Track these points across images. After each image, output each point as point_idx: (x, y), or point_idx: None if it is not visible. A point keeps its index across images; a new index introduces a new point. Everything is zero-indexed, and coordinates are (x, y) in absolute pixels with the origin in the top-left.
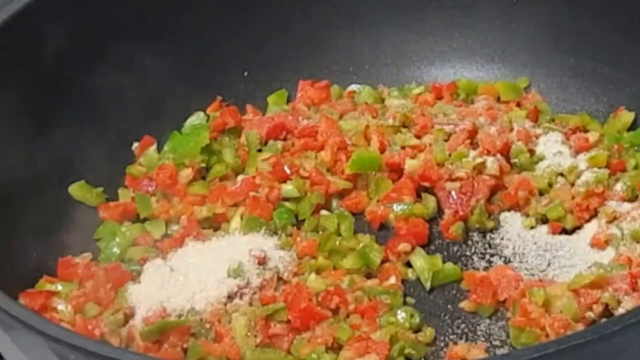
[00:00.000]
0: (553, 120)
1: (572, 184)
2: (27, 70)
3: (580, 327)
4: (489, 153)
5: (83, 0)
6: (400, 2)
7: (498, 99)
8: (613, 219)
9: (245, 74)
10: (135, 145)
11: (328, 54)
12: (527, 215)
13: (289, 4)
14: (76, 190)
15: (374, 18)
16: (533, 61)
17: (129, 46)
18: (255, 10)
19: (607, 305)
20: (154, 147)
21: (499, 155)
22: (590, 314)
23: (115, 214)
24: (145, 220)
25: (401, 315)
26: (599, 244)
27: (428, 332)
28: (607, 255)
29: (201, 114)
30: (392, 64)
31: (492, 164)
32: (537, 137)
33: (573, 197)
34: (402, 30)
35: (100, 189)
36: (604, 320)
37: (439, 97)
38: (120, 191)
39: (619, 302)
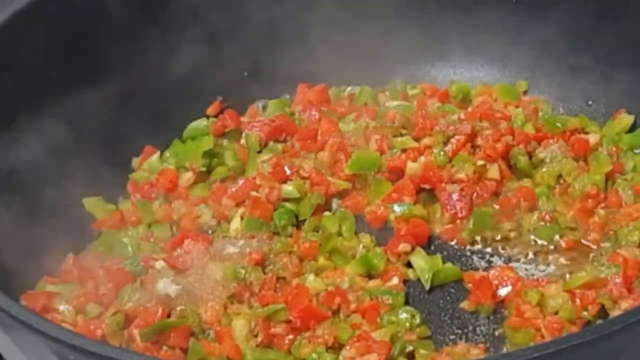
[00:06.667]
0: (552, 121)
1: (571, 186)
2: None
3: (575, 327)
4: (489, 157)
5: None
6: (399, 2)
7: (496, 101)
8: (610, 220)
9: (245, 74)
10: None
11: (327, 55)
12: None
13: (288, 5)
14: (90, 203)
15: (373, 18)
16: (533, 62)
17: (129, 49)
18: (254, 11)
19: (603, 305)
20: (157, 155)
21: (499, 160)
22: (585, 315)
23: (114, 221)
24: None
25: (402, 315)
26: (596, 245)
27: (428, 332)
28: (603, 256)
29: (204, 120)
30: (391, 65)
31: (493, 168)
32: (536, 139)
33: (573, 201)
34: (401, 30)
35: (113, 206)
36: (599, 320)
37: (438, 99)
38: (121, 201)
39: (614, 303)
